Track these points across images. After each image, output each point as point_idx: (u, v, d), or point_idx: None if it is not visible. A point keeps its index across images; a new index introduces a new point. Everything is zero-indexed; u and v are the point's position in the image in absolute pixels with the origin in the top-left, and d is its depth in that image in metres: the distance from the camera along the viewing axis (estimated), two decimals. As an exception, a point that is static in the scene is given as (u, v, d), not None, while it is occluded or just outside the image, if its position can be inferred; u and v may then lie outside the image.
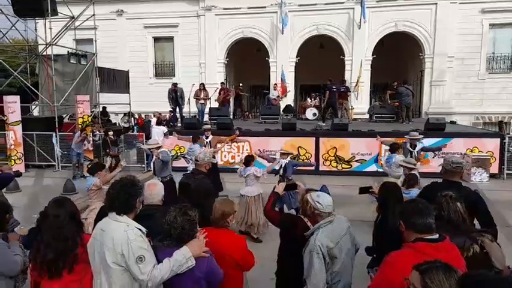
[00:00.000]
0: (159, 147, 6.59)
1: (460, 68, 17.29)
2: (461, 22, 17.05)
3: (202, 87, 14.48)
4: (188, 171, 6.07)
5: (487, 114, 17.30)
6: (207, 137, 8.68)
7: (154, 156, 6.83)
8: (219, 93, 15.13)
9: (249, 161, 6.45)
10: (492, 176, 10.36)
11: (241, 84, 16.70)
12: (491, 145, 10.73)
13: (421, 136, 7.82)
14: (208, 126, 9.64)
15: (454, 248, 2.32)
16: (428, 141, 10.64)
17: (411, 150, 7.33)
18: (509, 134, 12.81)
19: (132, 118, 16.81)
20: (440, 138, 10.74)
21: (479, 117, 17.34)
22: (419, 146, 7.36)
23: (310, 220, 2.99)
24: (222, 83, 15.81)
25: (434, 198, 2.73)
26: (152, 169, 9.83)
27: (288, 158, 6.86)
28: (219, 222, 2.87)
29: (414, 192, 4.68)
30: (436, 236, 2.22)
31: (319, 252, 2.65)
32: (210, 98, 14.80)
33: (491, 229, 3.11)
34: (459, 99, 17.37)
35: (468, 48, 17.14)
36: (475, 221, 3.24)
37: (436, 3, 16.98)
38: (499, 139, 10.86)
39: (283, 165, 6.64)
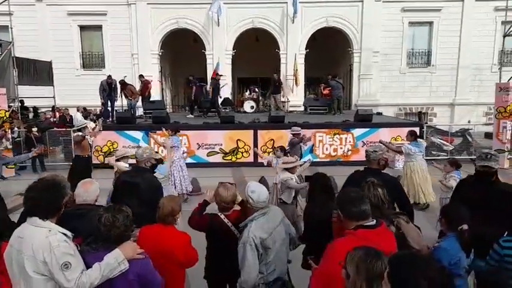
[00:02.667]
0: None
1: (384, 63, 18.57)
2: (384, 19, 18.29)
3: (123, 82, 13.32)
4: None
5: (408, 105, 18.87)
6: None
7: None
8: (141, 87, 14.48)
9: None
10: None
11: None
12: (412, 134, 11.72)
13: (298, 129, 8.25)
14: None
15: (390, 232, 2.48)
16: (359, 132, 11.44)
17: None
18: (427, 123, 14.14)
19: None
20: (368, 129, 11.51)
21: (402, 108, 18.85)
22: None
23: (232, 214, 3.11)
24: (140, 75, 14.99)
25: (358, 185, 2.92)
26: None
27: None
28: (166, 219, 2.84)
29: None
30: (374, 222, 2.34)
31: (252, 244, 2.69)
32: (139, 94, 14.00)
33: (408, 209, 3.42)
34: (384, 91, 18.68)
35: (391, 44, 18.47)
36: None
37: (362, 1, 18.01)
38: (418, 128, 11.90)
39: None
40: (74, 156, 8.01)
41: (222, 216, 3.10)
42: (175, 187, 7.59)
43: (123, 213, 2.31)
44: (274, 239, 2.80)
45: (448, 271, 1.75)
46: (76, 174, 6.57)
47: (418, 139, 7.61)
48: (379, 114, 15.60)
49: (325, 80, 16.28)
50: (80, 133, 7.66)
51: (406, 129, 11.64)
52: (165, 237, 2.74)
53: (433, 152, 12.11)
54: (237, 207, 3.22)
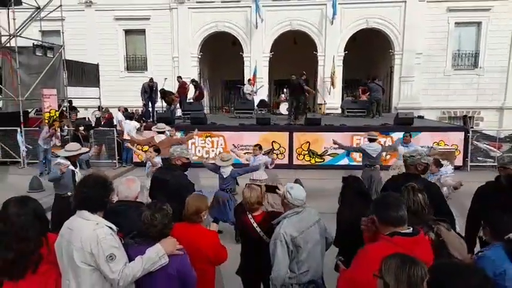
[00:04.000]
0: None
1: (427, 65, 17.87)
2: (428, 20, 17.61)
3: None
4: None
5: (452, 109, 18.02)
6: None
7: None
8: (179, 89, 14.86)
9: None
10: (457, 168, 10.81)
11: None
12: (456, 138, 11.21)
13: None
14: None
15: (427, 242, 2.38)
16: (398, 135, 11.05)
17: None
18: (472, 127, 13.44)
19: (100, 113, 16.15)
20: (410, 132, 11.10)
21: (445, 111, 18.04)
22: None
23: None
24: (178, 77, 15.35)
25: (395, 191, 2.84)
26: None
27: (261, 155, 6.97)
28: (192, 217, 2.87)
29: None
30: (411, 230, 2.26)
31: (282, 240, 2.74)
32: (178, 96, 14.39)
33: (449, 218, 3.27)
34: (426, 94, 17.97)
35: (435, 45, 17.74)
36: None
37: (405, 1, 17.45)
38: (463, 133, 11.36)
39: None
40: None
41: (249, 216, 3.22)
42: None
43: (162, 212, 2.40)
44: (306, 239, 2.81)
45: (493, 281, 1.66)
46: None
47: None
48: (421, 117, 15.04)
49: (363, 83, 15.93)
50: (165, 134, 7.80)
51: (450, 134, 11.30)
52: (192, 235, 2.79)
53: (479, 158, 11.50)
54: (264, 209, 3.36)
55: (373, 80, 14.61)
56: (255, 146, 7.40)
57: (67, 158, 4.90)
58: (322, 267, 2.99)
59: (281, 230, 2.76)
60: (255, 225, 3.18)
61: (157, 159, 6.49)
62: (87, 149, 7.21)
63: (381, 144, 8.17)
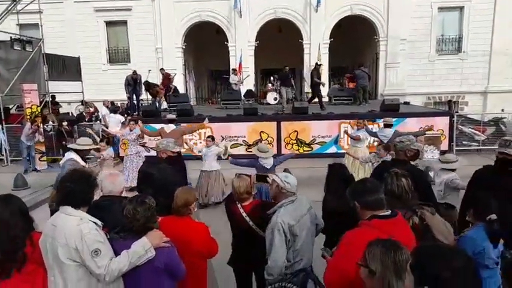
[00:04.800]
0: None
1: (411, 50, 17.97)
2: (412, 5, 17.65)
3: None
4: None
5: (437, 94, 18.22)
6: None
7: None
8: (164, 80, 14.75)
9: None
10: (443, 152, 10.95)
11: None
12: (442, 123, 11.34)
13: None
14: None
15: (406, 223, 2.40)
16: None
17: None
18: (457, 112, 13.64)
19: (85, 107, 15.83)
20: (395, 119, 11.19)
21: (430, 97, 18.23)
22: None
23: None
24: (161, 69, 15.31)
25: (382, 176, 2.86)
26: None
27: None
28: (181, 210, 2.83)
29: None
30: (389, 212, 2.29)
31: (280, 229, 2.72)
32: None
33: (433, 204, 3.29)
34: (411, 80, 18.10)
35: (419, 31, 17.83)
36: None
37: (388, -13, 17.43)
38: (448, 117, 11.50)
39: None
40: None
41: (239, 206, 3.21)
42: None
43: (145, 206, 2.35)
44: (301, 227, 2.81)
45: (474, 262, 1.67)
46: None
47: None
48: (407, 103, 15.18)
49: (350, 71, 15.94)
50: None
51: (436, 119, 11.42)
52: (181, 228, 2.76)
53: (464, 142, 11.69)
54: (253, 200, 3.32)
55: (359, 67, 14.63)
56: (208, 137, 7.64)
57: (77, 151, 4.66)
58: (312, 254, 2.99)
59: (278, 219, 2.74)
60: (244, 214, 3.17)
61: (109, 151, 6.74)
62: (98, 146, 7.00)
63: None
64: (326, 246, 3.21)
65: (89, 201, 2.41)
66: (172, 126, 7.66)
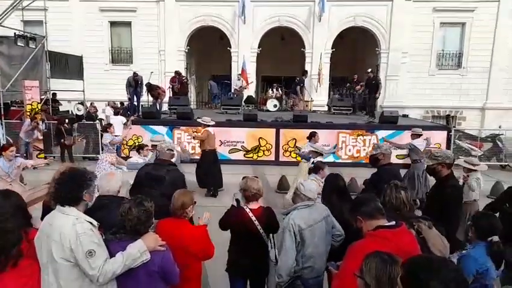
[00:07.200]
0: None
1: (412, 64, 18.10)
2: (414, 19, 17.82)
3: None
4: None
5: (436, 108, 18.32)
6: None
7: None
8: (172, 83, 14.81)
9: None
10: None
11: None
12: (439, 137, 11.40)
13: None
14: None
15: (410, 233, 2.44)
16: (383, 133, 11.20)
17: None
18: (455, 127, 13.67)
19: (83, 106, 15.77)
20: (393, 131, 11.27)
21: (429, 110, 18.32)
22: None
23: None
24: (176, 71, 15.41)
25: (380, 185, 2.91)
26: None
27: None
28: (177, 212, 2.84)
29: None
30: (394, 223, 2.32)
31: (291, 230, 2.77)
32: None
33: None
34: (411, 93, 18.19)
35: (420, 45, 17.96)
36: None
37: (392, 0, 17.61)
38: (446, 132, 11.56)
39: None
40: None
41: (247, 210, 3.15)
42: None
43: (140, 207, 2.35)
44: (313, 233, 2.83)
45: (464, 274, 1.69)
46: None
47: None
48: (405, 116, 15.24)
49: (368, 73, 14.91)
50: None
51: (434, 133, 11.47)
52: (178, 230, 2.76)
53: (460, 157, 11.70)
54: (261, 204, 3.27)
55: (374, 75, 13.95)
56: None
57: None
58: (325, 264, 2.97)
59: (290, 220, 2.80)
60: (253, 218, 3.11)
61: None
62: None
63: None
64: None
65: (77, 201, 2.33)
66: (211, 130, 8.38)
